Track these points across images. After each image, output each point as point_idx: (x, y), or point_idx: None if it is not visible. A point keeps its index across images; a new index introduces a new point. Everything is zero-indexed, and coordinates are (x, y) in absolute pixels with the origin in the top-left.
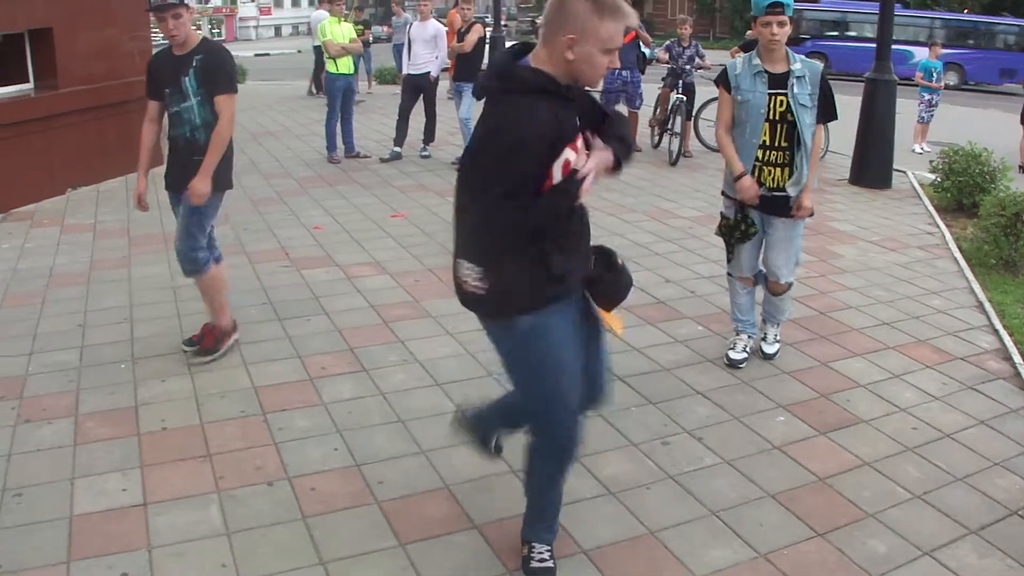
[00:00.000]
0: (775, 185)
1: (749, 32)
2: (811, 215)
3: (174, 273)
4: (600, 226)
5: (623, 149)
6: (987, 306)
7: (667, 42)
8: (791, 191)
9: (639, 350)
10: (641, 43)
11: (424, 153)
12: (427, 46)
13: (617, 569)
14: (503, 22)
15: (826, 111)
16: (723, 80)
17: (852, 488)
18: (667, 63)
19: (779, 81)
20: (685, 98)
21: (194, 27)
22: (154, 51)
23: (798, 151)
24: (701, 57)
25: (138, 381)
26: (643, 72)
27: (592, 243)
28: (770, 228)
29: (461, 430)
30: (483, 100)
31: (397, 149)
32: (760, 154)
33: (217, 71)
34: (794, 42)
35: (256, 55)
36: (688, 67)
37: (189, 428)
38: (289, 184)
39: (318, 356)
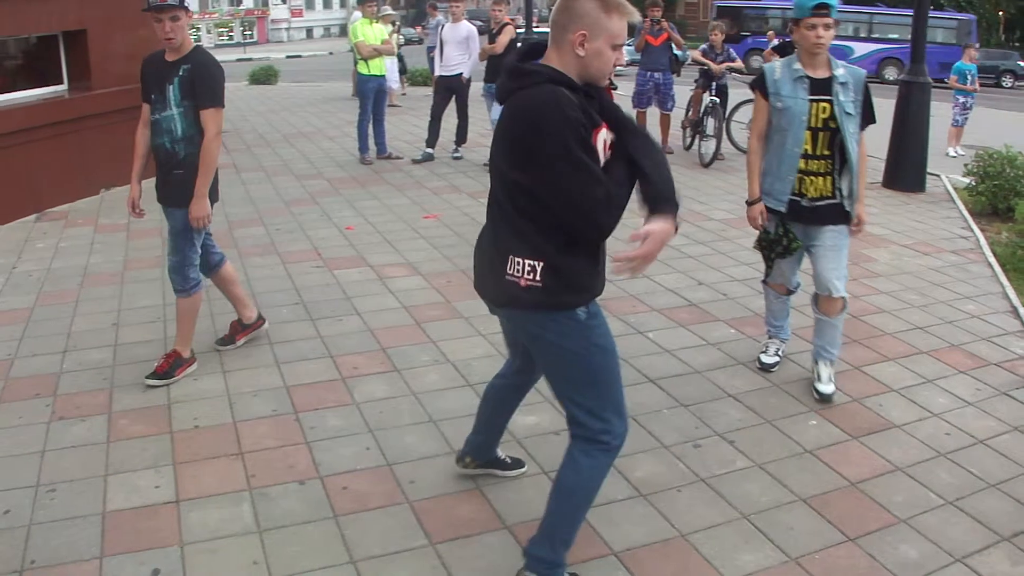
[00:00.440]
0: (817, 195)
1: (769, 35)
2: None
3: None
4: (630, 228)
5: (673, 208)
6: (1021, 311)
7: (702, 46)
8: (847, 205)
9: (671, 352)
10: (673, 45)
11: (456, 155)
12: (459, 47)
13: (647, 571)
14: (535, 24)
15: (867, 117)
16: (760, 85)
17: (884, 493)
18: (704, 65)
19: (821, 87)
20: (718, 100)
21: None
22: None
23: (842, 161)
24: (733, 60)
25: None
26: (677, 75)
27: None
28: (817, 239)
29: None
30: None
31: (429, 150)
32: (802, 164)
33: (202, 83)
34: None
35: (288, 56)
36: (723, 75)
37: (221, 426)
38: (321, 185)
39: (350, 356)
